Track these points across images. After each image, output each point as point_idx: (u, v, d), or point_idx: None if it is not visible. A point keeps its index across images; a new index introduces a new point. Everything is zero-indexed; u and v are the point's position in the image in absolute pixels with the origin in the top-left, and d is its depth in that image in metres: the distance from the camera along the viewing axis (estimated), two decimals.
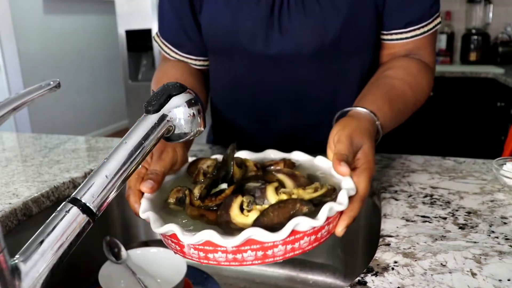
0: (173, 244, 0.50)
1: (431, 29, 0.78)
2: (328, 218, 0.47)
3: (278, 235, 0.44)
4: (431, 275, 0.47)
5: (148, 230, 0.92)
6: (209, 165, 0.61)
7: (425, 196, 0.67)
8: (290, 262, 0.83)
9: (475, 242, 0.53)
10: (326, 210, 0.46)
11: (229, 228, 0.47)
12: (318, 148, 0.67)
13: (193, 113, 0.46)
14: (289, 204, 0.47)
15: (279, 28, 0.77)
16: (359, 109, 0.65)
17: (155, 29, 3.33)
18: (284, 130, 0.88)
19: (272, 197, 0.49)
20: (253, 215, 0.47)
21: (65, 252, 0.37)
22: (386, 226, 0.58)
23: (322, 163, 0.61)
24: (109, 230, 0.87)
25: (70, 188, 0.79)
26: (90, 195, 0.38)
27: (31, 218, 0.71)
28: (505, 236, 0.55)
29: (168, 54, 0.90)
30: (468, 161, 0.83)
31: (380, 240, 0.55)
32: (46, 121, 4.06)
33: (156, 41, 0.92)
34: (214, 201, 0.51)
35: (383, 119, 0.65)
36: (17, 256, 0.36)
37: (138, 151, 0.42)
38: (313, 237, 0.48)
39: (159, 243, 0.76)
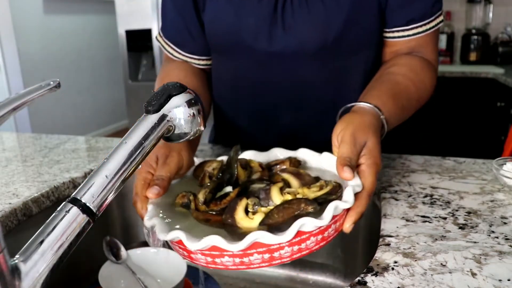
0: (180, 250, 0.50)
1: (433, 27, 0.79)
2: (334, 217, 0.47)
3: (283, 237, 0.44)
4: (431, 275, 0.47)
5: None
6: (214, 167, 0.61)
7: (425, 196, 0.67)
8: (290, 262, 0.83)
9: (475, 242, 0.53)
10: (331, 209, 0.46)
11: (235, 232, 0.47)
12: (319, 147, 0.67)
13: (193, 113, 0.46)
14: (294, 204, 0.47)
15: (282, 25, 0.77)
16: (363, 104, 0.64)
17: (155, 29, 3.32)
18: (285, 129, 0.88)
19: (277, 197, 0.49)
20: (258, 218, 0.47)
21: (65, 252, 0.37)
22: (386, 226, 0.58)
23: (328, 160, 0.60)
24: (109, 230, 0.87)
25: (70, 188, 0.79)
26: (90, 195, 0.38)
27: (31, 218, 0.71)
28: (505, 236, 0.55)
29: (171, 54, 0.89)
30: (468, 161, 0.83)
31: (380, 240, 0.55)
32: (46, 121, 4.05)
33: (158, 41, 0.91)
34: (219, 205, 0.51)
35: (387, 114, 0.65)
36: (17, 256, 0.36)
37: (138, 151, 0.42)
38: (319, 236, 0.47)
39: None
